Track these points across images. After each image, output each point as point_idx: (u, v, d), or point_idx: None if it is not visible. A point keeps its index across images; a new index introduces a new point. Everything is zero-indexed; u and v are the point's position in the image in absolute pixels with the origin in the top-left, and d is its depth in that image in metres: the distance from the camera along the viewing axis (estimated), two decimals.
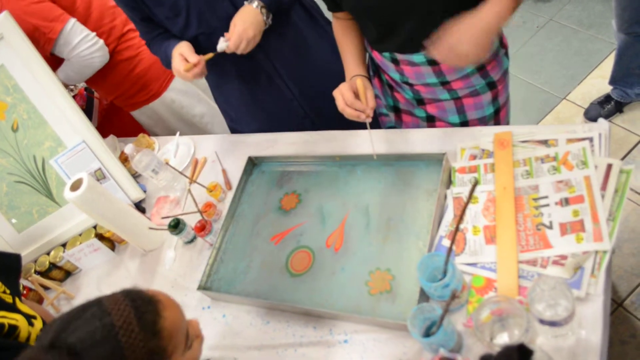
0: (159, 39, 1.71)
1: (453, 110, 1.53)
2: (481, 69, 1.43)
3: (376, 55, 1.52)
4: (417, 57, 1.41)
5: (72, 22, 1.93)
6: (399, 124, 1.70)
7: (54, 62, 2.04)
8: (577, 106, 2.68)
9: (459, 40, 1.17)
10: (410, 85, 1.52)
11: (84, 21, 1.98)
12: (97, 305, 0.85)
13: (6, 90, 1.86)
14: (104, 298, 0.87)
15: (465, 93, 1.49)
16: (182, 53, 1.56)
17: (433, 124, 1.60)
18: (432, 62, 1.42)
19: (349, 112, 1.36)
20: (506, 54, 1.48)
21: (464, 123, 1.55)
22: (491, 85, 1.47)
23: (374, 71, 1.67)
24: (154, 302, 0.88)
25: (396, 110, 1.67)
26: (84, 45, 1.96)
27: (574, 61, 2.88)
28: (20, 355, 0.80)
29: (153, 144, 2.09)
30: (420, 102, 1.56)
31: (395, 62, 1.47)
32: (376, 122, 1.80)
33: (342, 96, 1.35)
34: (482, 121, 1.54)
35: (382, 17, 1.34)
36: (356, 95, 1.37)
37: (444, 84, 1.47)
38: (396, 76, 1.53)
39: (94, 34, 1.98)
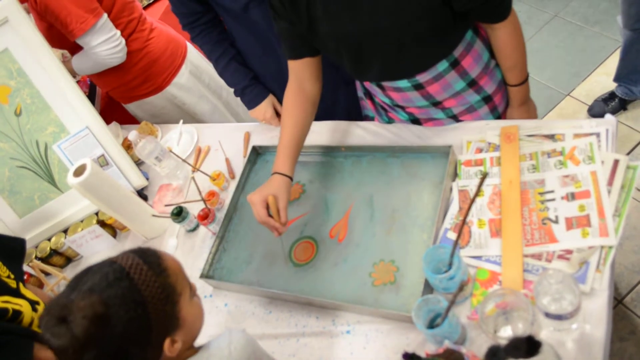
0: (218, 45, 1.72)
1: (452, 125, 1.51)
2: (474, 85, 1.40)
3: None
4: (402, 83, 1.39)
5: (105, 18, 1.90)
6: None
7: (74, 46, 2.02)
8: (581, 103, 2.67)
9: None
10: (402, 107, 1.51)
11: (107, 13, 1.95)
12: (102, 261, 0.90)
13: (10, 74, 1.85)
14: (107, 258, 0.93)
15: (460, 110, 1.47)
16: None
17: None
18: (417, 87, 1.39)
19: (266, 226, 1.35)
20: (497, 65, 1.41)
21: None
22: (487, 99, 1.44)
23: (364, 93, 1.65)
24: (152, 249, 0.94)
25: None
26: (107, 45, 1.94)
27: (578, 58, 2.88)
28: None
29: (156, 132, 2.08)
30: (416, 122, 1.55)
31: (381, 87, 1.45)
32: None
33: (256, 211, 1.33)
34: None
35: (355, 52, 1.31)
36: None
37: (436, 104, 1.45)
38: (386, 100, 1.51)
39: (119, 33, 1.96)
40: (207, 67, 2.37)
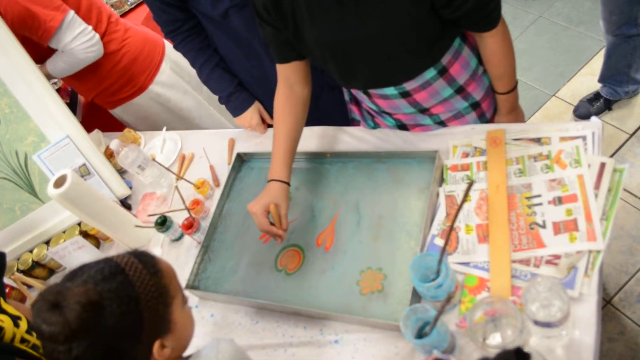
0: (201, 53, 1.70)
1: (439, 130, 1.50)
2: (461, 92, 1.39)
3: None
4: (388, 90, 1.38)
5: (72, 13, 1.88)
6: None
7: (48, 54, 2.00)
8: (566, 103, 2.68)
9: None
10: (389, 113, 1.50)
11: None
12: (99, 259, 0.91)
13: None
14: None
15: (448, 117, 1.45)
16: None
17: None
18: (404, 94, 1.38)
19: (268, 234, 1.37)
20: (485, 72, 1.40)
21: None
22: (475, 106, 1.43)
23: (350, 98, 1.64)
24: (147, 252, 0.96)
25: None
26: (82, 38, 1.91)
27: (563, 58, 2.88)
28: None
29: (139, 139, 2.05)
30: (403, 127, 1.53)
31: (368, 94, 1.44)
32: None
33: (257, 221, 1.34)
34: None
35: (341, 60, 1.30)
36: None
37: (423, 111, 1.44)
38: (373, 106, 1.50)
39: (91, 27, 1.94)
40: (186, 64, 2.34)
